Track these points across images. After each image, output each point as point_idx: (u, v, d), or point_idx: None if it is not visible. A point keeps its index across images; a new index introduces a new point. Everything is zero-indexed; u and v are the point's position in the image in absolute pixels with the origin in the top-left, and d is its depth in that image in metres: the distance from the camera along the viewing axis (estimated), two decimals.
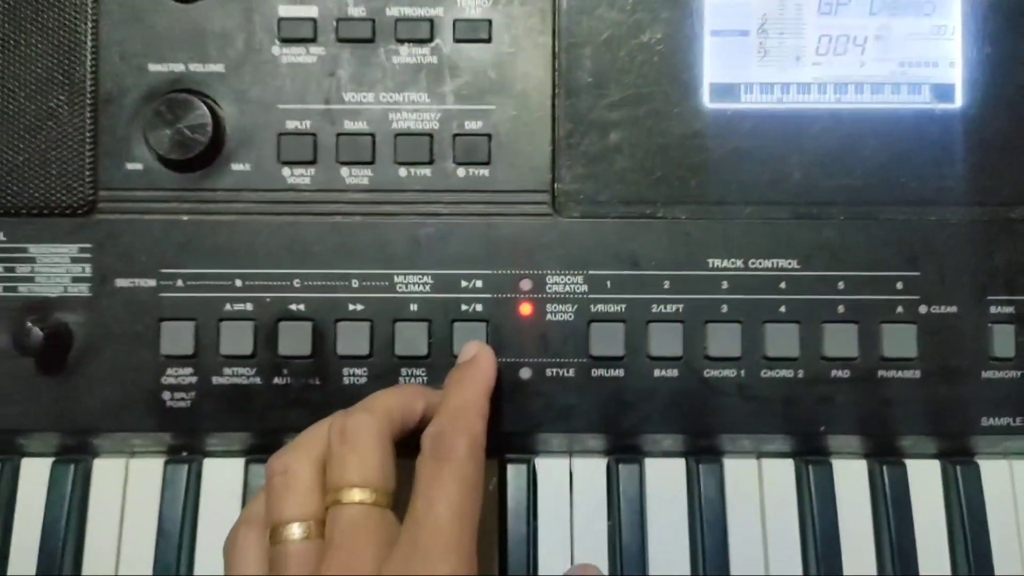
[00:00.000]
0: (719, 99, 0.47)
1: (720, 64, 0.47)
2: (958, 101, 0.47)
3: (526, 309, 0.45)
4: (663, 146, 0.46)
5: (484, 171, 0.46)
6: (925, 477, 0.48)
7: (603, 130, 0.46)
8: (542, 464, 0.48)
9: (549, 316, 0.45)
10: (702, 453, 0.47)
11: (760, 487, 0.48)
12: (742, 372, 0.45)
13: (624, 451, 0.47)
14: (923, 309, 0.46)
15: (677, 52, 0.46)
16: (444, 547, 0.36)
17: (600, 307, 0.45)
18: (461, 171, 0.46)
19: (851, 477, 0.48)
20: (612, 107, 0.46)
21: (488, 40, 0.46)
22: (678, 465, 0.48)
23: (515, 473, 0.47)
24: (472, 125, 0.46)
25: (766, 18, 0.47)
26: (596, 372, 0.45)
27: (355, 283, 0.45)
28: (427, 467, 0.38)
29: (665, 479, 0.47)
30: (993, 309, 0.46)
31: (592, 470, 0.48)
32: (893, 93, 0.47)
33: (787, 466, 0.48)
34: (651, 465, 0.47)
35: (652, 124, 0.46)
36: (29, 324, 0.43)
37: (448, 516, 0.36)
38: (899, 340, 0.46)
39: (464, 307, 0.45)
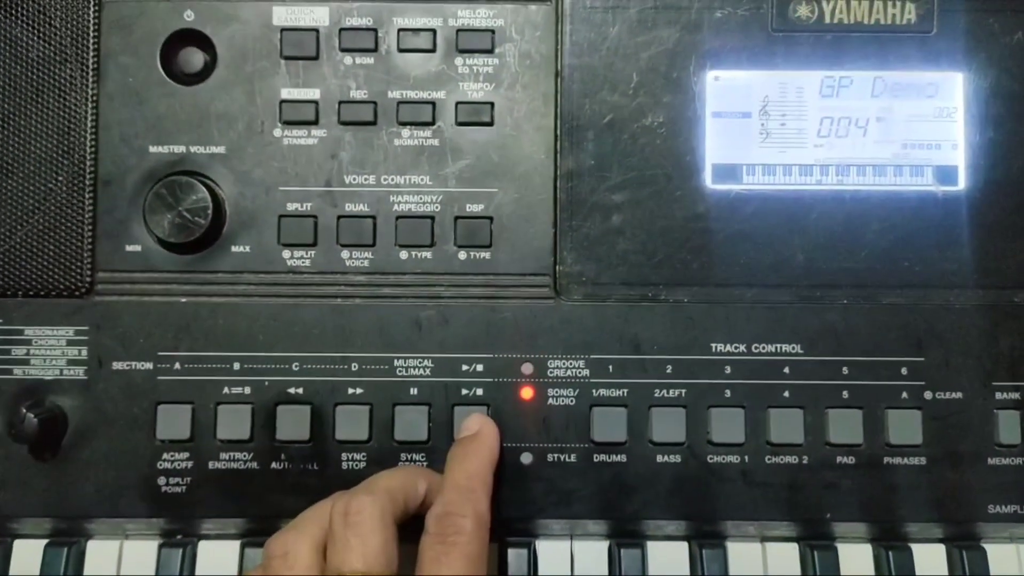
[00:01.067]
0: (721, 180, 0.47)
1: (722, 145, 0.47)
2: (961, 183, 0.47)
3: (527, 393, 0.45)
4: (665, 228, 0.46)
5: (486, 254, 0.45)
6: (931, 562, 0.47)
7: (605, 213, 0.46)
8: (543, 547, 0.47)
9: (551, 400, 0.45)
10: (705, 537, 0.47)
11: (765, 572, 0.47)
12: (746, 458, 0.45)
13: (626, 535, 0.47)
14: (928, 395, 0.45)
15: (679, 134, 0.46)
16: None
17: (602, 391, 0.45)
18: (463, 254, 0.45)
19: (856, 562, 0.47)
20: (614, 189, 0.46)
21: (490, 123, 0.46)
22: (681, 549, 0.47)
23: (516, 557, 0.46)
24: (474, 208, 0.45)
25: (768, 100, 0.47)
26: (598, 457, 0.45)
27: (355, 367, 0.45)
28: (433, 548, 0.37)
29: (668, 564, 0.46)
30: (999, 395, 0.45)
31: (594, 554, 0.47)
32: (896, 175, 0.47)
33: (792, 551, 0.47)
34: (653, 549, 0.47)
35: (654, 206, 0.46)
36: (24, 411, 0.43)
37: None
38: (904, 426, 0.45)
39: (465, 391, 0.45)
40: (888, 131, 0.48)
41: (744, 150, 0.47)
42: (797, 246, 0.47)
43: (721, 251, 0.46)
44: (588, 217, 0.46)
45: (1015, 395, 0.45)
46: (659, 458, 0.45)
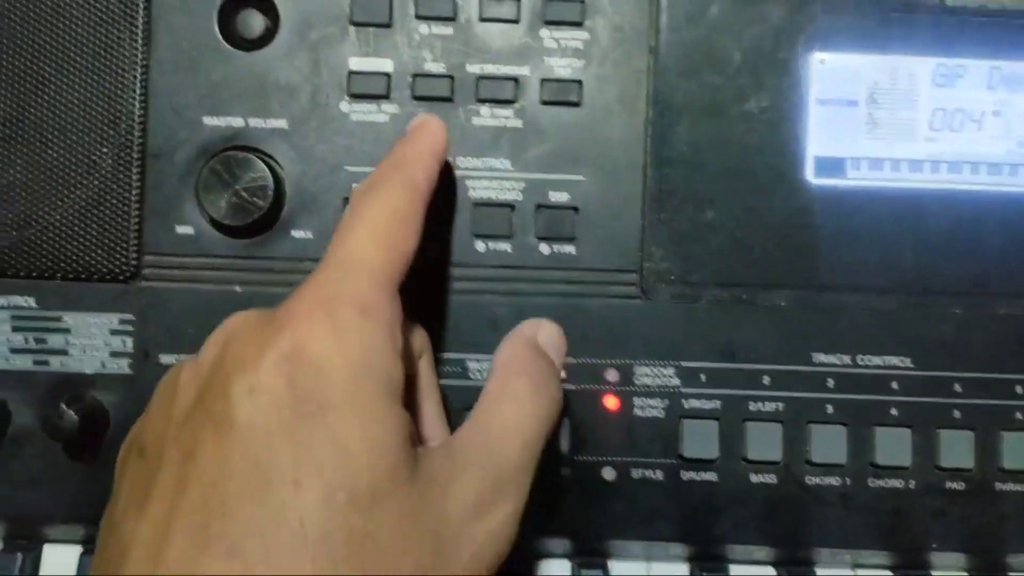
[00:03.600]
0: (824, 174, 0.43)
1: (826, 136, 0.43)
2: None
3: (611, 403, 0.41)
4: (763, 224, 0.42)
5: (570, 248, 0.41)
6: None
7: (698, 205, 0.42)
8: (616, 568, 0.43)
9: (637, 411, 0.41)
10: (795, 564, 0.43)
11: None
12: (847, 480, 0.41)
13: (708, 559, 0.43)
14: None
15: (781, 122, 0.42)
16: (355, 266, 0.31)
17: (693, 403, 0.41)
18: (544, 247, 0.41)
19: None
20: (709, 180, 0.42)
21: (578, 103, 0.41)
22: None
23: None
24: (558, 197, 0.41)
25: (877, 87, 0.43)
26: (686, 475, 0.41)
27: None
28: (350, 209, 0.33)
29: None
30: None
31: None
32: (1011, 175, 0.43)
33: None
34: (737, 573, 0.43)
35: (752, 199, 0.42)
36: (63, 406, 0.39)
37: (365, 238, 0.31)
38: (1020, 450, 0.41)
39: None
40: (1004, 126, 0.43)
41: (850, 142, 0.43)
42: (906, 248, 0.43)
43: (823, 251, 0.42)
44: (680, 210, 0.42)
45: None
46: (753, 477, 0.41)
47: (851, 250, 0.42)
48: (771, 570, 0.43)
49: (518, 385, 0.34)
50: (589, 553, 0.43)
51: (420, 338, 0.37)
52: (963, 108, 0.44)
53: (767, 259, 0.42)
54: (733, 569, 0.43)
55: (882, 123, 0.43)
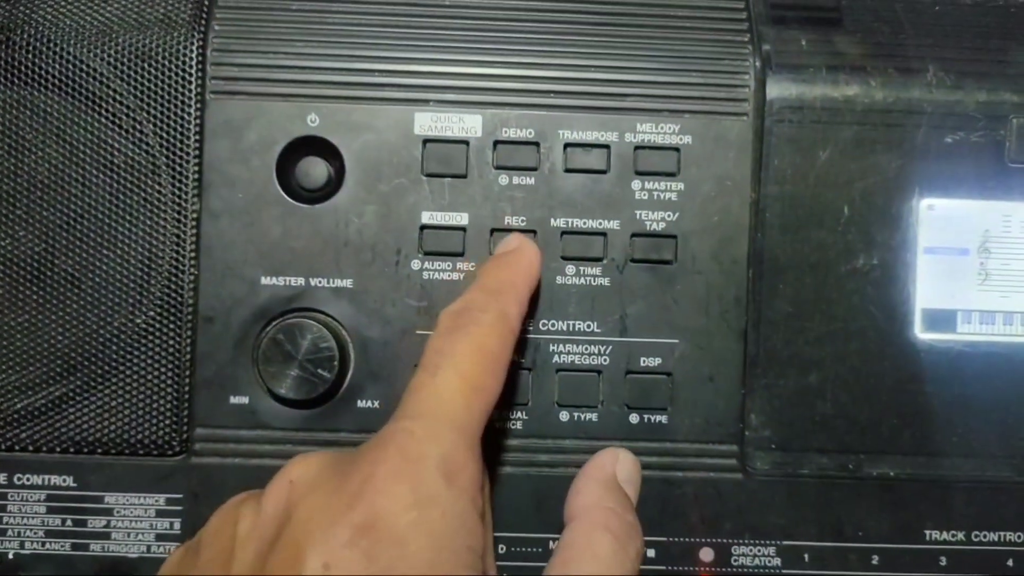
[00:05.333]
0: (932, 328, 0.40)
1: (934, 288, 0.40)
2: None
3: None
4: (868, 386, 0.39)
5: (662, 417, 0.38)
6: None
7: (802, 369, 0.39)
8: None
9: None
10: None
11: None
12: None
13: None
14: None
15: (888, 275, 0.39)
16: (441, 419, 0.28)
17: None
18: (634, 417, 0.38)
19: None
20: (813, 342, 0.39)
21: (672, 261, 0.38)
22: None
23: None
24: (649, 362, 0.38)
25: (988, 235, 0.40)
26: None
27: (503, 548, 0.37)
28: (437, 339, 0.31)
29: None
30: None
31: None
32: None
33: None
34: None
35: (857, 361, 0.39)
36: None
37: (454, 385, 0.29)
38: None
39: None
40: None
41: (960, 293, 0.40)
42: (1018, 411, 0.39)
43: (934, 415, 0.39)
44: (782, 375, 0.38)
45: None
46: None
47: (964, 414, 0.39)
48: None
49: (601, 542, 0.31)
50: None
51: (486, 479, 0.34)
52: None
53: (873, 424, 0.39)
54: None
55: (994, 273, 0.40)
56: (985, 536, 0.38)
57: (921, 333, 0.40)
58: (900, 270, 0.39)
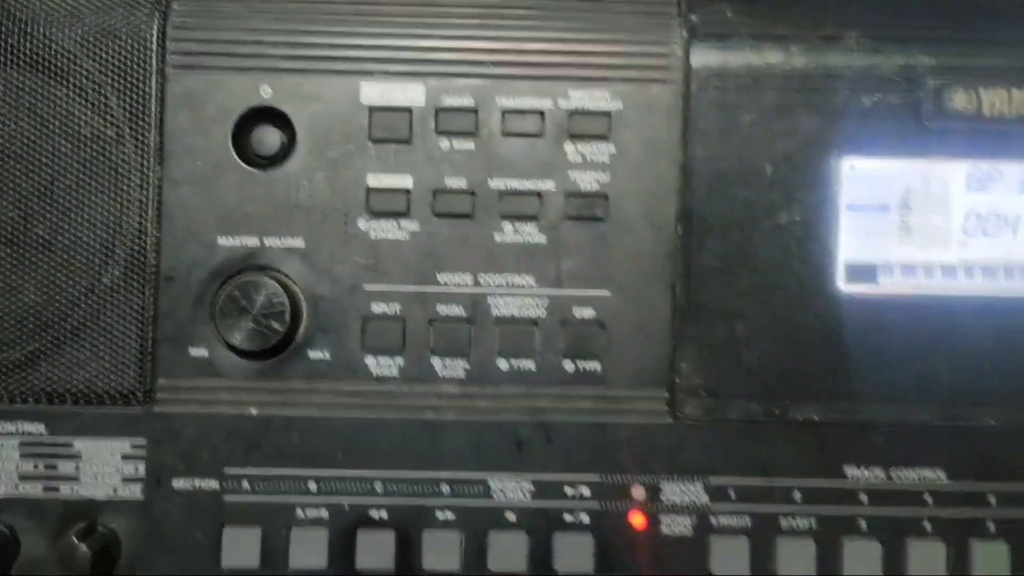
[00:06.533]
0: (855, 281, 0.42)
1: (857, 243, 0.42)
2: None
3: (638, 521, 0.40)
4: (794, 336, 0.41)
5: (596, 366, 0.40)
6: None
7: (729, 320, 0.41)
8: None
9: (664, 529, 0.40)
10: None
11: None
12: None
13: None
14: None
15: (811, 231, 0.41)
16: None
17: (722, 520, 0.40)
18: (569, 364, 0.40)
19: None
20: (739, 294, 0.41)
21: (603, 219, 0.40)
22: None
23: None
24: (583, 313, 0.40)
25: (908, 192, 0.42)
26: None
27: (445, 488, 0.40)
28: None
29: None
30: None
31: None
32: None
33: None
34: None
35: (783, 312, 0.41)
36: (74, 540, 0.38)
37: None
38: None
39: (568, 517, 0.40)
40: None
41: (882, 248, 0.42)
42: (940, 358, 0.42)
43: (856, 363, 0.41)
44: (710, 326, 0.41)
45: None
46: None
47: (884, 360, 0.41)
48: None
49: None
50: None
51: None
52: (998, 212, 0.43)
53: (798, 371, 0.41)
54: None
55: (915, 228, 0.43)
56: (904, 473, 0.41)
57: (844, 286, 0.42)
58: (823, 226, 0.42)
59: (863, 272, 0.42)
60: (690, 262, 0.41)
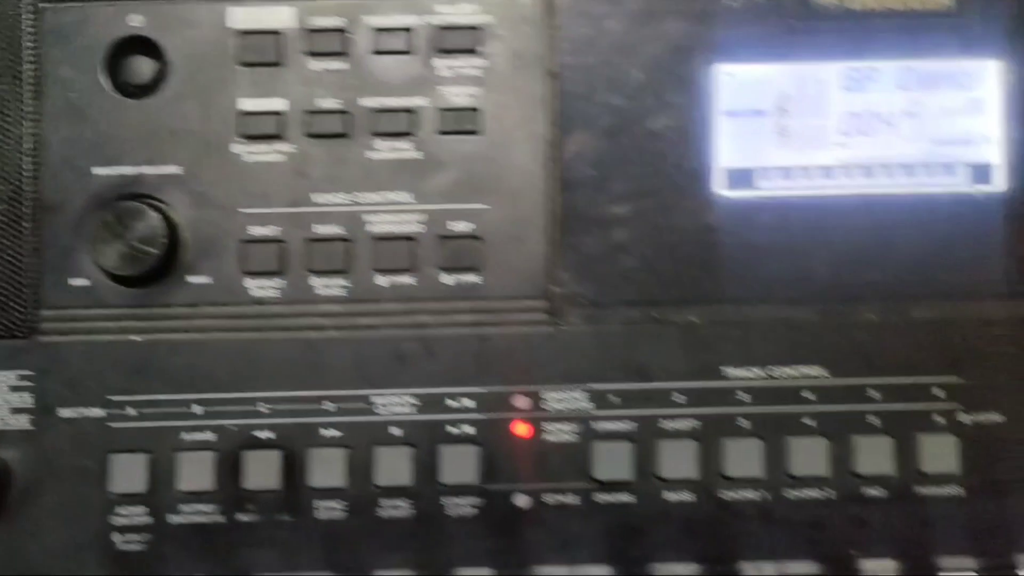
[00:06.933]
0: (734, 186, 0.42)
1: (734, 148, 0.42)
2: (1000, 183, 0.42)
3: (522, 429, 0.41)
4: (673, 241, 0.42)
5: (474, 277, 0.41)
6: None
7: (606, 227, 0.41)
8: None
9: (547, 436, 0.41)
10: None
11: None
12: (764, 493, 0.41)
13: None
14: (965, 418, 0.41)
15: (687, 138, 0.42)
16: None
17: (604, 425, 0.41)
18: (448, 278, 0.41)
19: None
20: (616, 201, 0.41)
21: (477, 132, 0.41)
22: None
23: None
24: (460, 227, 0.41)
25: (785, 96, 0.43)
26: (601, 498, 0.40)
27: (329, 406, 0.40)
28: None
29: None
30: None
31: None
32: (927, 175, 0.43)
33: None
34: None
35: (660, 218, 0.42)
36: None
37: None
38: (939, 454, 0.41)
39: (452, 429, 0.40)
40: (918, 127, 0.43)
41: (759, 153, 0.43)
42: (819, 257, 0.42)
43: (735, 265, 0.42)
44: (587, 233, 0.41)
45: None
46: (669, 496, 0.41)
47: (763, 262, 0.42)
48: None
49: None
50: None
51: None
52: (875, 111, 0.43)
53: (677, 276, 0.42)
54: None
55: (791, 132, 0.43)
56: (783, 371, 0.41)
57: (722, 190, 0.42)
58: (700, 133, 0.42)
59: (741, 177, 0.43)
60: (564, 171, 0.41)
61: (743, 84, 0.43)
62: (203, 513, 0.40)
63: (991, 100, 0.43)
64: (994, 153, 0.43)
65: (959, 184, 0.43)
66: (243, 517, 0.40)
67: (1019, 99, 0.42)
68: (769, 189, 0.43)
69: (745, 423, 0.41)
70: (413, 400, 0.41)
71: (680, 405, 0.41)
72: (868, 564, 0.42)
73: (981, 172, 0.43)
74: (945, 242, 0.42)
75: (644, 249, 0.42)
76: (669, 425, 0.41)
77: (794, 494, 0.41)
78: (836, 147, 0.43)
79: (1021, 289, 0.42)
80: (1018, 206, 0.42)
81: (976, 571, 0.43)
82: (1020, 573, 0.43)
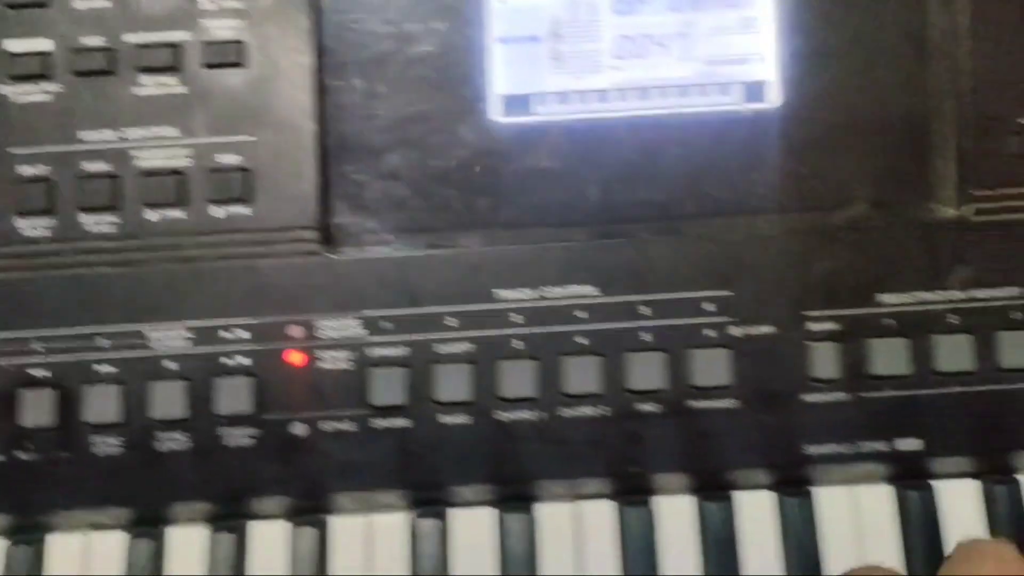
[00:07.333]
0: (509, 112, 0.43)
1: (510, 74, 0.43)
2: (772, 100, 0.43)
3: (296, 358, 0.41)
4: (447, 169, 0.42)
5: (245, 209, 0.41)
6: (757, 511, 0.43)
7: (377, 155, 0.42)
8: (335, 524, 0.43)
9: (322, 364, 0.41)
10: (512, 500, 0.43)
11: (577, 533, 0.43)
12: (540, 413, 0.41)
13: (426, 503, 0.43)
14: (736, 331, 0.41)
15: (459, 64, 0.42)
16: None
17: (379, 351, 0.41)
18: (219, 211, 0.41)
19: (676, 516, 0.43)
20: (386, 130, 0.42)
21: (242, 64, 0.41)
22: (486, 516, 0.43)
23: (304, 536, 0.42)
24: (229, 159, 0.41)
25: (558, 21, 0.43)
26: (377, 423, 0.41)
27: (103, 342, 0.41)
28: None
29: (472, 531, 0.43)
30: (812, 326, 0.41)
31: (391, 528, 0.43)
32: (701, 95, 0.43)
33: (607, 508, 0.43)
34: (456, 517, 0.43)
35: (434, 145, 0.42)
36: None
37: None
38: (710, 367, 0.41)
39: (227, 361, 0.41)
40: (691, 47, 0.43)
41: (534, 78, 0.43)
42: (592, 180, 0.43)
43: (509, 191, 0.42)
44: (359, 162, 0.42)
45: (830, 325, 0.41)
46: (445, 419, 0.41)
47: (538, 187, 0.42)
48: (490, 509, 0.43)
49: None
50: (301, 512, 0.43)
51: None
52: (647, 33, 0.43)
53: (452, 203, 0.42)
54: (452, 513, 0.43)
55: (566, 57, 0.43)
56: (553, 291, 0.41)
57: (498, 117, 0.43)
58: (472, 59, 0.42)
59: (517, 103, 0.43)
60: (332, 100, 0.42)
61: (516, 10, 0.43)
62: None
63: (764, 18, 0.43)
64: (768, 71, 0.43)
65: (733, 103, 0.43)
66: (21, 455, 0.40)
67: (788, 16, 0.43)
68: (545, 114, 0.43)
69: (519, 344, 0.41)
70: (187, 333, 0.41)
71: (453, 329, 0.41)
72: (658, 479, 0.43)
73: (755, 90, 0.43)
74: (716, 160, 0.43)
75: (417, 177, 0.42)
76: (443, 349, 0.41)
77: (569, 412, 0.41)
78: (611, 70, 0.43)
79: (792, 202, 0.43)
80: (787, 122, 0.43)
81: (768, 487, 0.43)
82: (811, 488, 0.43)
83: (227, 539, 0.42)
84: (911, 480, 0.43)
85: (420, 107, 0.42)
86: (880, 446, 0.42)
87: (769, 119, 0.43)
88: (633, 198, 0.42)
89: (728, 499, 0.43)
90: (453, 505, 0.43)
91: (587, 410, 0.41)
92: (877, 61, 0.43)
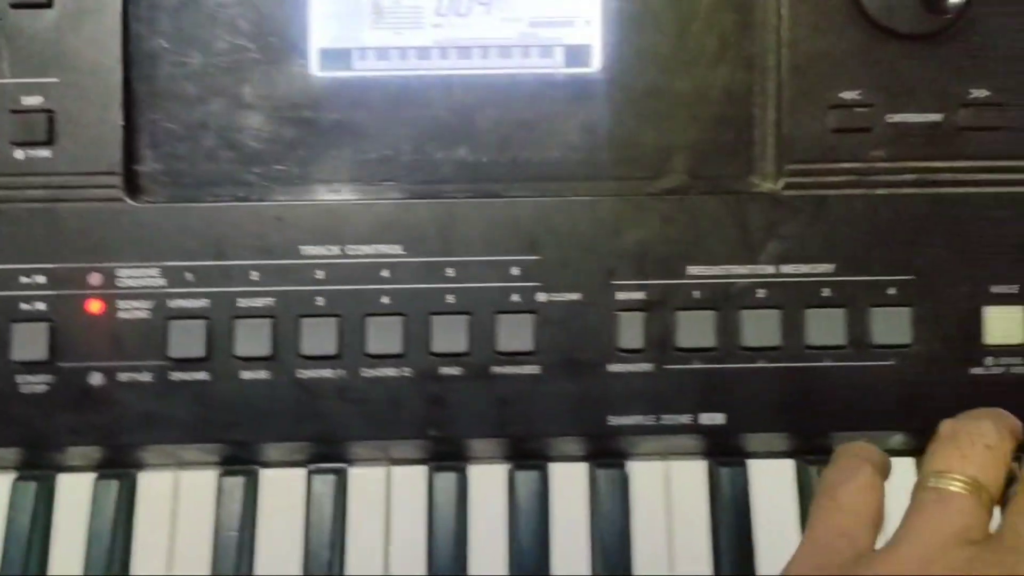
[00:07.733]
0: (329, 66, 0.42)
1: (330, 28, 0.42)
2: (594, 64, 0.42)
3: (95, 306, 0.40)
4: (260, 120, 0.41)
5: (46, 152, 0.40)
6: (569, 482, 0.43)
7: (186, 103, 0.41)
8: (143, 480, 0.43)
9: (121, 314, 0.40)
10: (323, 461, 0.43)
11: (387, 496, 0.43)
12: (341, 372, 0.41)
13: (235, 462, 0.43)
14: (542, 297, 0.41)
15: (277, 14, 0.41)
16: None
17: (179, 303, 0.41)
18: (19, 152, 0.40)
19: (487, 484, 0.43)
20: (195, 77, 0.41)
21: (49, 5, 0.40)
22: (295, 476, 0.43)
23: (104, 488, 0.42)
24: (30, 101, 0.40)
25: None
26: (176, 376, 0.40)
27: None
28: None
29: (279, 492, 0.43)
30: (620, 295, 0.41)
31: (200, 484, 0.43)
32: (523, 57, 0.43)
33: (419, 473, 0.43)
34: (266, 477, 0.43)
35: (245, 96, 0.41)
36: None
37: None
38: (515, 332, 0.41)
39: (24, 306, 0.40)
40: (514, 8, 0.43)
41: (355, 32, 0.42)
42: (405, 138, 0.42)
43: (322, 145, 0.42)
44: (167, 110, 0.41)
45: (639, 295, 0.41)
46: (244, 375, 0.41)
47: (351, 143, 0.42)
48: (301, 470, 0.43)
49: None
50: (111, 464, 0.42)
51: None
52: None
53: (264, 156, 0.42)
54: (261, 473, 0.43)
55: (387, 12, 0.42)
56: (359, 250, 0.41)
57: (317, 71, 0.42)
58: (292, 11, 0.42)
59: (337, 56, 0.42)
60: (137, 46, 0.41)
61: None
62: None
63: None
64: (593, 35, 0.43)
65: (553, 66, 0.42)
66: None
67: None
68: (364, 70, 0.42)
69: (321, 301, 0.41)
70: None
71: (256, 283, 0.41)
72: (472, 446, 0.43)
73: (577, 53, 0.42)
74: (532, 123, 0.42)
75: (226, 127, 0.41)
76: (244, 303, 0.41)
77: (370, 372, 0.41)
78: (432, 28, 0.43)
79: (607, 169, 0.42)
80: (606, 87, 0.42)
81: (583, 459, 0.43)
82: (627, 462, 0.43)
83: (30, 488, 0.42)
84: (727, 457, 0.44)
85: (234, 56, 0.41)
86: (685, 419, 0.42)
87: (588, 84, 0.42)
88: (447, 158, 0.42)
89: (544, 468, 0.43)
90: (265, 465, 0.43)
91: (389, 371, 0.41)
92: (701, 31, 0.42)
